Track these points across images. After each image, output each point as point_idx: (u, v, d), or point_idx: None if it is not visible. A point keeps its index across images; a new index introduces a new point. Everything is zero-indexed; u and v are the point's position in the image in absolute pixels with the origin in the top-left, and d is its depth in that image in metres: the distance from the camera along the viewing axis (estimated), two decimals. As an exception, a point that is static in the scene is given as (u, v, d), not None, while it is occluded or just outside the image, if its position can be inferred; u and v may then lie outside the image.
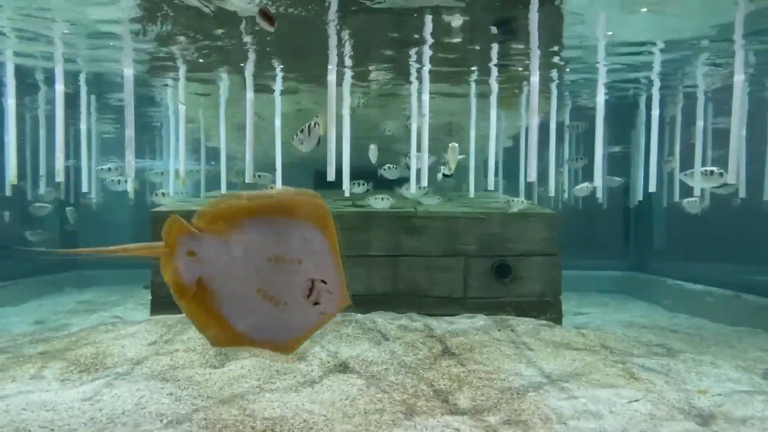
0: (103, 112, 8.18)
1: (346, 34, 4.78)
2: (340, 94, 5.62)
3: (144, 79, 6.38)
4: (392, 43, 5.10)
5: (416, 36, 4.85)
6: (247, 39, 4.90)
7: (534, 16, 4.40)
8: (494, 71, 5.92)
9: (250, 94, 5.37)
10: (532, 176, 4.73)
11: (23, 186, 7.57)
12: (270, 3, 4.07)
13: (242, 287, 2.13)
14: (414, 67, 5.66)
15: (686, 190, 6.16)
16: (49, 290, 8.83)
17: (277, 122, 5.75)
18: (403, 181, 6.11)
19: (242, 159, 5.79)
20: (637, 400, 3.22)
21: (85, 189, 6.47)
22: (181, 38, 4.90)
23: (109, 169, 6.77)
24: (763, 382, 3.72)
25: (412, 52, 5.28)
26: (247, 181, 5.18)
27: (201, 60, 5.63)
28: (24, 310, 7.46)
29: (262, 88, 6.20)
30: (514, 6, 4.27)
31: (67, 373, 3.58)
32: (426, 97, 5.19)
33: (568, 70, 6.14)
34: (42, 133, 7.20)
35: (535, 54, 5.08)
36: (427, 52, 5.26)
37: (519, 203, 5.73)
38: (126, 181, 6.40)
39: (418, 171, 5.26)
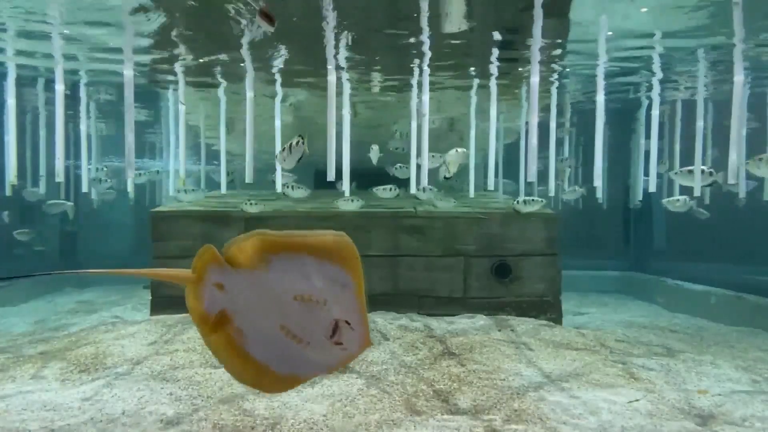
0: (103, 111, 8.18)
1: (345, 34, 4.78)
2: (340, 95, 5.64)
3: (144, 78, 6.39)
4: (392, 43, 5.10)
5: (415, 35, 4.85)
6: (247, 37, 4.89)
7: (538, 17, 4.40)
8: (494, 71, 5.92)
9: (250, 94, 5.37)
10: (532, 176, 4.73)
11: (22, 185, 7.56)
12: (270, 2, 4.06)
13: (265, 323, 2.15)
14: (416, 64, 5.65)
15: (685, 191, 6.16)
16: (49, 290, 8.83)
17: (277, 122, 5.75)
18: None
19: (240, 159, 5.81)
20: (637, 400, 3.22)
21: (84, 189, 6.48)
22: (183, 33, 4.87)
23: (98, 168, 6.76)
24: (764, 382, 3.72)
25: (412, 49, 5.27)
26: (247, 181, 5.18)
27: (201, 60, 5.64)
28: (24, 310, 7.46)
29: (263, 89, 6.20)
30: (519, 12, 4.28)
31: (67, 373, 3.58)
32: (426, 97, 5.20)
33: (567, 69, 6.14)
34: (42, 133, 7.21)
35: (535, 53, 5.08)
36: (427, 53, 5.26)
37: (535, 203, 5.69)
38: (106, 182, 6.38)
39: (419, 171, 5.27)
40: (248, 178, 5.17)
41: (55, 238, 10.17)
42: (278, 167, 5.57)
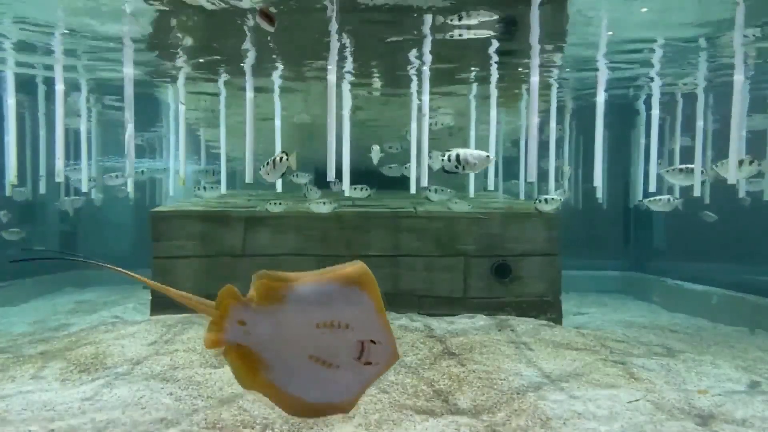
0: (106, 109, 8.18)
1: (345, 35, 4.78)
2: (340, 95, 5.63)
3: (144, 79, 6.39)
4: (391, 44, 5.10)
5: (415, 32, 4.84)
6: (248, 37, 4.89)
7: (535, 15, 4.39)
8: (494, 71, 5.92)
9: (250, 94, 5.37)
10: (533, 176, 4.73)
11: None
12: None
13: (294, 354, 2.20)
14: (415, 64, 5.65)
15: (685, 191, 6.15)
16: (49, 290, 8.82)
17: (277, 122, 5.75)
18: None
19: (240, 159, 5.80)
20: (637, 400, 3.22)
21: (84, 189, 6.48)
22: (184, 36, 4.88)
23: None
24: (764, 382, 3.72)
25: (411, 54, 5.28)
26: (247, 181, 5.18)
27: (201, 60, 5.64)
28: (24, 310, 7.45)
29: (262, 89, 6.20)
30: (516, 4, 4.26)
31: (67, 373, 3.58)
32: (426, 97, 5.19)
33: (567, 70, 6.14)
34: (42, 133, 7.20)
35: (535, 54, 5.07)
36: (428, 53, 5.26)
37: (555, 201, 5.64)
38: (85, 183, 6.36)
39: (418, 171, 5.26)
40: (248, 177, 5.17)
41: (55, 238, 10.17)
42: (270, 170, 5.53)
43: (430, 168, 5.32)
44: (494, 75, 6.00)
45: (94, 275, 9.78)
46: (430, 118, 5.21)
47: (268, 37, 4.85)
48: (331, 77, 4.75)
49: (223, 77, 6.19)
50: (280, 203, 5.59)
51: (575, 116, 8.20)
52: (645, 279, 9.11)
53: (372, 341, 2.18)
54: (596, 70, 6.00)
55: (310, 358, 2.18)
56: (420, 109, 5.18)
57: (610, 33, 4.95)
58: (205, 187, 6.24)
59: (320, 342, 2.16)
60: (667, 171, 5.54)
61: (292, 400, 2.23)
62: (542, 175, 5.96)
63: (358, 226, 5.75)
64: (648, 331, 5.88)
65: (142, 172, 7.49)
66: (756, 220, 7.68)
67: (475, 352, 4.15)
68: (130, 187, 7.08)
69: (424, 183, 5.24)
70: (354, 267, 2.21)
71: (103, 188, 8.12)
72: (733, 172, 4.47)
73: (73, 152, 8.11)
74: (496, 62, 5.65)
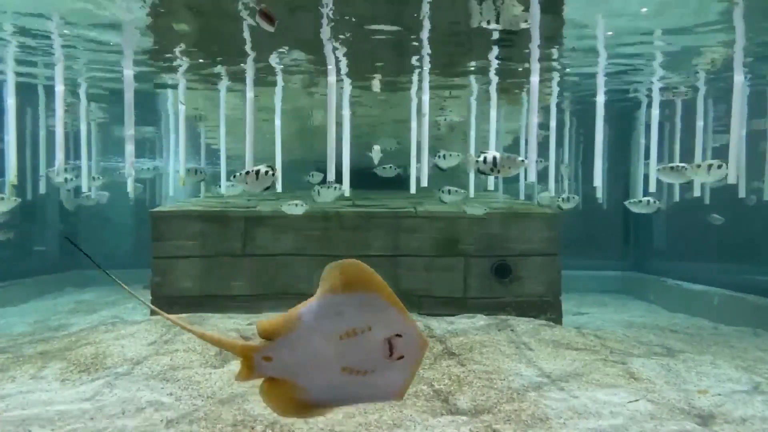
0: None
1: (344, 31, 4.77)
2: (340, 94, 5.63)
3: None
4: (391, 41, 5.09)
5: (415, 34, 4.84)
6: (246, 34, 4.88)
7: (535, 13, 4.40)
8: (494, 69, 5.92)
9: (250, 94, 5.37)
10: (532, 176, 4.73)
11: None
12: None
13: (327, 372, 2.19)
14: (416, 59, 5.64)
15: (685, 191, 6.15)
16: (49, 290, 8.82)
17: (277, 122, 5.75)
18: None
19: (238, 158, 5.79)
20: (637, 400, 3.22)
21: (84, 189, 6.48)
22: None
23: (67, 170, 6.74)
24: (764, 382, 3.71)
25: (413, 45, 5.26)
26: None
27: (201, 60, 5.64)
28: (24, 310, 7.45)
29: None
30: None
31: (67, 373, 3.58)
32: (426, 97, 5.20)
33: (567, 70, 6.14)
34: (42, 133, 7.21)
35: (535, 54, 5.07)
36: (427, 53, 5.26)
37: (574, 200, 5.67)
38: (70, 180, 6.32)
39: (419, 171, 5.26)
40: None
41: (54, 237, 10.16)
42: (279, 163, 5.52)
43: (438, 167, 5.31)
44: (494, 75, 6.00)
45: (94, 275, 9.77)
46: (437, 116, 5.21)
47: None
48: (331, 78, 4.76)
49: (224, 77, 6.19)
50: (300, 204, 5.52)
51: (574, 117, 8.21)
52: (645, 279, 9.11)
53: (397, 335, 2.17)
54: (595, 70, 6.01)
55: (343, 371, 2.17)
56: (420, 109, 5.19)
57: (610, 33, 4.95)
58: (219, 185, 6.22)
59: (348, 353, 2.16)
60: (659, 170, 5.55)
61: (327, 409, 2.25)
62: (539, 175, 5.97)
63: (358, 226, 5.75)
64: (648, 331, 5.88)
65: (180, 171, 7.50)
66: (756, 220, 7.69)
67: (475, 352, 4.15)
68: (130, 187, 7.08)
69: (424, 183, 5.24)
70: (350, 267, 2.18)
71: (105, 188, 8.11)
72: (735, 172, 4.51)
73: (62, 153, 8.07)
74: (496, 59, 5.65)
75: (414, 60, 5.45)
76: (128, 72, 4.79)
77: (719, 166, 4.57)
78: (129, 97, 4.71)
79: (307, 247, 5.72)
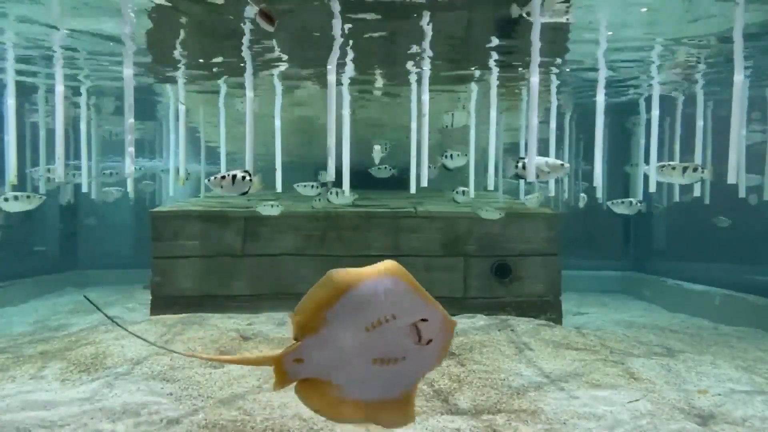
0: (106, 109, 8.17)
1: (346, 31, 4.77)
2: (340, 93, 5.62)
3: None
4: (391, 43, 5.09)
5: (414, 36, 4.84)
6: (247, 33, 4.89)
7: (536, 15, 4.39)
8: (494, 71, 5.92)
9: (250, 94, 5.37)
10: (532, 176, 4.72)
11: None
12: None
13: (359, 366, 2.19)
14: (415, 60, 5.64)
15: (684, 191, 6.14)
16: (49, 290, 8.82)
17: (277, 122, 5.74)
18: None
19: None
20: (637, 400, 3.22)
21: (84, 189, 6.47)
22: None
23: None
24: (764, 382, 3.71)
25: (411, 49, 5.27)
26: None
27: (201, 60, 5.63)
28: (24, 310, 7.45)
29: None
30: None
31: (67, 373, 3.58)
32: (426, 97, 5.19)
33: (568, 70, 6.14)
34: (42, 133, 7.20)
35: (535, 53, 5.07)
36: (428, 51, 5.25)
37: (583, 200, 5.67)
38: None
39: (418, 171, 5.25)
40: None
41: (55, 237, 10.16)
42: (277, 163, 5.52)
43: (445, 167, 5.28)
44: (494, 75, 6.00)
45: (95, 275, 9.78)
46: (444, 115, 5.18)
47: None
48: (331, 77, 4.75)
49: (224, 78, 6.19)
50: (320, 200, 5.47)
51: (575, 117, 8.20)
52: (645, 279, 9.11)
53: (423, 320, 2.17)
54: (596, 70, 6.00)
55: (374, 362, 2.17)
56: (420, 109, 5.18)
57: (610, 33, 4.95)
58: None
59: (377, 343, 2.15)
60: (661, 168, 5.55)
61: (377, 405, 2.24)
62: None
63: (358, 226, 5.75)
64: (648, 331, 5.88)
65: (110, 174, 7.52)
66: (756, 220, 7.69)
67: (475, 352, 4.15)
68: (129, 187, 7.08)
69: (424, 183, 5.23)
70: (380, 266, 2.19)
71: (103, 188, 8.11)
72: (735, 172, 4.49)
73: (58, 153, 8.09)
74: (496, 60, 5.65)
75: (412, 64, 5.44)
76: (128, 71, 4.78)
77: (695, 170, 4.53)
78: (129, 97, 4.70)
79: (307, 247, 5.72)
